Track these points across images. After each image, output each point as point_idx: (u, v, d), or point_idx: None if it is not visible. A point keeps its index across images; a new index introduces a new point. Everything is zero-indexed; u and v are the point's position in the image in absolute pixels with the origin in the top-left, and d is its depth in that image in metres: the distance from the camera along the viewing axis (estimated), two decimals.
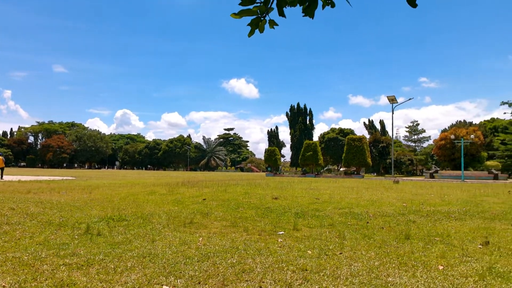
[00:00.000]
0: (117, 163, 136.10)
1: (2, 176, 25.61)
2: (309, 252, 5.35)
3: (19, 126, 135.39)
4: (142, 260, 4.75)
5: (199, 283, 3.99)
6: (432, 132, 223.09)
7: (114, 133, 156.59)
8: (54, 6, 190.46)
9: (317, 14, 2.62)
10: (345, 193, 15.62)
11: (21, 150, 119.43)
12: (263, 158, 77.02)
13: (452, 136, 50.34)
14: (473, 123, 70.66)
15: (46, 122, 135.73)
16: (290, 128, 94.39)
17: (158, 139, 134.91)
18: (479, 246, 5.89)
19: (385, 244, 5.97)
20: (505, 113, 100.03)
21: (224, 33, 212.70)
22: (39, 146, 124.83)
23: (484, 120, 75.01)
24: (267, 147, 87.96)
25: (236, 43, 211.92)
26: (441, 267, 4.65)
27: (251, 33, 2.69)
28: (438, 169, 52.22)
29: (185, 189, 16.14)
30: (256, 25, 2.65)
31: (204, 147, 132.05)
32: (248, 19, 2.62)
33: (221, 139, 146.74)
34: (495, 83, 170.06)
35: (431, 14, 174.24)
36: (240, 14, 2.54)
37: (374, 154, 68.14)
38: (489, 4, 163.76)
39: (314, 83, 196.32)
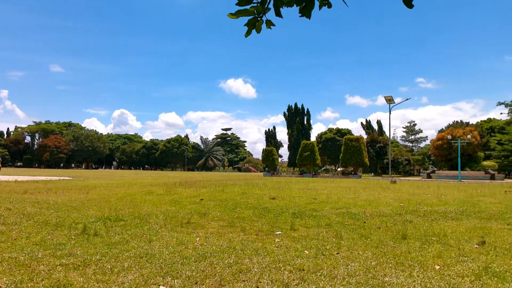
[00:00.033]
0: (114, 163, 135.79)
1: None
2: (306, 252, 5.36)
3: (16, 126, 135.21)
4: (139, 260, 4.74)
5: (196, 283, 3.98)
6: (429, 132, 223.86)
7: (111, 133, 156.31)
8: (52, 5, 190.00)
9: (314, 15, 2.62)
10: (343, 193, 15.65)
11: (17, 150, 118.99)
12: (260, 158, 77.04)
13: (449, 136, 50.51)
14: (470, 123, 71.02)
15: (43, 122, 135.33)
16: (288, 128, 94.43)
17: (155, 139, 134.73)
18: (476, 246, 5.91)
19: (382, 244, 5.99)
20: (501, 113, 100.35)
21: (222, 33, 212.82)
22: (36, 146, 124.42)
23: (481, 121, 75.40)
24: (264, 147, 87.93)
25: (234, 43, 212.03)
26: (437, 267, 4.67)
27: (248, 33, 2.69)
28: (435, 169, 52.35)
29: (182, 189, 16.12)
30: (253, 25, 2.65)
31: (202, 147, 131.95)
32: (245, 19, 2.62)
33: (219, 139, 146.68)
34: (491, 84, 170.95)
35: (429, 14, 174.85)
36: (237, 14, 2.54)
37: (371, 154, 68.31)
38: (486, 5, 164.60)
39: (312, 83, 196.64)
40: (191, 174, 56.19)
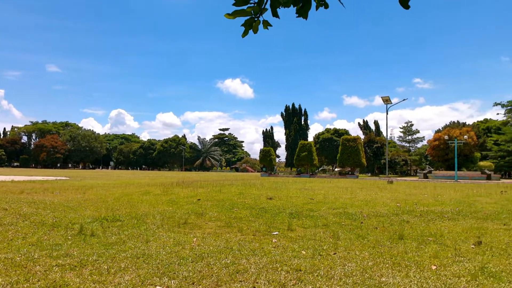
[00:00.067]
0: (111, 163, 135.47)
1: None
2: (303, 252, 5.36)
3: (12, 126, 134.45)
4: (135, 261, 4.73)
5: (193, 283, 3.98)
6: (426, 132, 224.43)
7: (108, 133, 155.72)
8: (49, 5, 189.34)
9: (311, 15, 2.63)
10: (340, 193, 15.67)
11: (14, 150, 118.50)
12: (258, 158, 76.98)
13: (446, 137, 50.69)
14: (467, 123, 71.20)
15: (40, 121, 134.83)
16: (285, 128, 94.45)
17: (152, 139, 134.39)
18: (472, 246, 5.93)
19: (379, 244, 6.00)
20: (498, 113, 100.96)
21: (220, 33, 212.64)
22: (32, 146, 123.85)
23: (477, 121, 75.70)
24: (262, 147, 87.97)
25: (232, 44, 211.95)
26: (434, 267, 4.68)
27: (244, 33, 2.69)
28: (432, 169, 52.54)
29: (179, 189, 16.10)
30: (250, 26, 2.65)
31: (199, 147, 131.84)
32: (242, 19, 2.62)
33: (216, 139, 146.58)
34: (488, 84, 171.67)
35: (426, 15, 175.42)
36: (234, 14, 2.54)
37: (368, 155, 68.46)
38: (483, 5, 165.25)
39: (309, 84, 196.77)
40: (189, 174, 56.13)
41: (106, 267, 4.44)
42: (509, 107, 58.47)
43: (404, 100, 58.07)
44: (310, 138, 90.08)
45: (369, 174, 73.50)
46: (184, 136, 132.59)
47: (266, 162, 59.60)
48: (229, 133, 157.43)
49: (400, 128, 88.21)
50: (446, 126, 69.28)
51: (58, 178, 29.54)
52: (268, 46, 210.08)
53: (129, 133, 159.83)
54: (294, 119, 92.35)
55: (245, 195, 13.80)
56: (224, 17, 2.54)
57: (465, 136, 48.82)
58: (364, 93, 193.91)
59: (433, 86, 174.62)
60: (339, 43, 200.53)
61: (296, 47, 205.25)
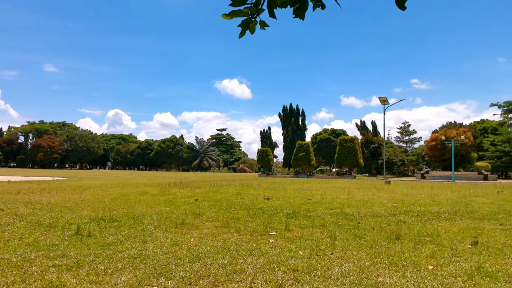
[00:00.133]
0: (108, 163, 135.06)
1: None
2: (301, 252, 5.37)
3: (9, 126, 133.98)
4: (133, 261, 4.73)
5: (190, 284, 3.98)
6: (423, 133, 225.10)
7: (105, 133, 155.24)
8: (46, 5, 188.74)
9: (308, 16, 2.63)
10: (337, 194, 15.69)
11: (11, 150, 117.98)
12: (255, 158, 77.02)
13: (443, 137, 50.82)
14: (463, 124, 71.54)
15: (37, 121, 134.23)
16: (283, 128, 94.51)
17: (150, 140, 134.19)
18: (468, 246, 5.96)
19: (376, 244, 6.01)
20: (494, 114, 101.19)
21: (217, 33, 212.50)
22: (29, 146, 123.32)
23: (474, 121, 75.94)
24: (259, 147, 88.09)
25: (229, 44, 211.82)
26: (430, 267, 4.70)
27: (241, 34, 2.69)
28: (429, 169, 52.66)
29: (177, 190, 16.08)
30: (247, 26, 2.65)
31: (197, 147, 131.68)
32: (239, 20, 2.62)
33: (214, 140, 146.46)
34: (485, 85, 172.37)
35: (423, 16, 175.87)
36: (231, 15, 2.54)
37: (366, 155, 68.58)
38: (479, 6, 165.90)
39: (307, 84, 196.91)
40: (186, 175, 56.07)
41: (103, 268, 4.43)
42: (505, 108, 58.56)
43: (401, 100, 58.33)
44: (308, 139, 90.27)
45: (367, 175, 73.60)
46: (181, 136, 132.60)
47: (264, 163, 59.62)
48: (227, 134, 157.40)
49: (398, 128, 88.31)
50: (443, 127, 69.60)
51: (55, 178, 29.45)
52: (265, 46, 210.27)
53: (127, 133, 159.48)
54: (292, 119, 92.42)
55: (243, 196, 13.81)
56: (222, 18, 2.54)
57: (462, 136, 48.97)
58: (361, 94, 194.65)
59: (430, 86, 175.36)
60: (336, 43, 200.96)
61: (294, 48, 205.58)
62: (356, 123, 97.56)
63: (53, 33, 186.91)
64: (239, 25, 2.64)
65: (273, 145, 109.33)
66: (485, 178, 41.73)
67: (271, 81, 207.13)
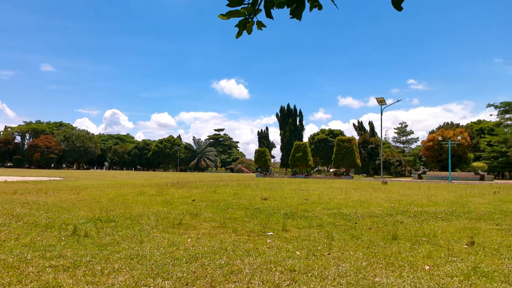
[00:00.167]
0: (106, 163, 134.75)
1: None
2: (298, 253, 5.37)
3: (5, 126, 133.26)
4: (129, 262, 4.72)
5: (187, 284, 3.97)
6: (420, 133, 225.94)
7: (103, 133, 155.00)
8: (44, 5, 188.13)
9: (306, 16, 2.64)
10: (334, 194, 15.72)
11: (7, 150, 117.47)
12: (253, 159, 76.99)
13: (440, 138, 50.98)
14: (460, 124, 71.69)
15: (34, 121, 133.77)
16: (280, 129, 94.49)
17: (147, 140, 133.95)
18: (465, 246, 5.98)
19: (373, 244, 6.02)
20: (491, 115, 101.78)
21: (215, 34, 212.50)
22: (26, 146, 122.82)
23: (471, 122, 76.25)
24: (257, 148, 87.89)
25: (227, 44, 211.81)
26: (427, 267, 4.71)
27: (238, 34, 2.70)
28: (426, 170, 52.83)
29: (174, 190, 16.06)
30: (244, 26, 2.65)
31: (194, 147, 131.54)
32: (236, 20, 2.62)
33: (211, 140, 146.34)
34: (481, 86, 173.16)
35: (420, 17, 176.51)
36: (228, 15, 2.54)
37: (363, 155, 68.72)
38: (475, 7, 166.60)
39: (304, 84, 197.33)
40: (184, 175, 56.00)
41: (99, 268, 4.42)
42: (502, 109, 58.85)
43: (398, 101, 58.53)
44: (305, 139, 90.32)
45: (364, 175, 73.74)
46: (179, 137, 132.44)
47: (261, 163, 59.61)
48: (224, 134, 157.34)
49: (395, 129, 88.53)
50: (440, 127, 69.76)
51: (52, 178, 29.35)
52: (263, 47, 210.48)
53: (124, 133, 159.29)
54: (289, 119, 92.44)
55: (240, 196, 13.80)
56: (219, 18, 2.54)
57: (459, 137, 49.16)
58: (358, 94, 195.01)
59: (427, 87, 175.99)
60: (334, 44, 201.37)
61: (291, 48, 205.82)
62: (354, 124, 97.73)
63: (50, 33, 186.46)
64: (236, 26, 2.64)
65: (271, 146, 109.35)
66: (482, 178, 41.90)
67: (268, 82, 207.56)
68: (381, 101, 56.33)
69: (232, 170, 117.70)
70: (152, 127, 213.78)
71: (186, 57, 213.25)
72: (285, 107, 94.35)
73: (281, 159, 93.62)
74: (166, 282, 4.00)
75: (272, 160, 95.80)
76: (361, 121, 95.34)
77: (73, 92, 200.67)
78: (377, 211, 10.28)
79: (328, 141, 79.30)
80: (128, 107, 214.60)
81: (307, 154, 54.95)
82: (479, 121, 75.70)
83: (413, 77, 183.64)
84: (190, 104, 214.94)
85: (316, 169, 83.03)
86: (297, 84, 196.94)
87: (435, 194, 16.56)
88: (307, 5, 2.61)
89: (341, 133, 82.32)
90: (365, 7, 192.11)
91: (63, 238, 6.02)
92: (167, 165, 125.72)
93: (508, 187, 23.41)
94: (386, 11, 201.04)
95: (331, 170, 71.10)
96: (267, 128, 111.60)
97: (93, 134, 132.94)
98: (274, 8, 2.56)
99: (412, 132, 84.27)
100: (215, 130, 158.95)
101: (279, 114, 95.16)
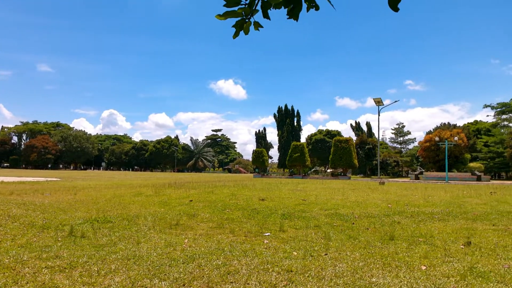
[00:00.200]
0: (103, 164, 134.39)
1: None
2: (295, 253, 5.38)
3: (2, 126, 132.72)
4: (126, 263, 4.70)
5: (184, 285, 3.97)
6: (418, 134, 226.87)
7: (100, 134, 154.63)
8: (40, 4, 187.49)
9: (303, 16, 2.64)
10: (332, 195, 15.73)
11: (4, 151, 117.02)
12: (250, 159, 76.91)
13: (437, 138, 51.07)
14: (457, 125, 71.96)
15: (31, 122, 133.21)
16: (278, 129, 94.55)
17: (145, 140, 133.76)
18: (461, 246, 6.00)
19: (370, 245, 6.03)
20: (488, 115, 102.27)
21: (213, 34, 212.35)
22: (23, 146, 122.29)
23: (468, 123, 76.49)
24: (254, 148, 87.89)
25: (224, 44, 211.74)
26: (424, 267, 4.72)
27: (235, 34, 2.69)
28: (423, 170, 52.92)
29: (171, 191, 16.04)
30: (241, 27, 2.65)
31: (192, 148, 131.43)
32: (233, 20, 2.62)
33: (209, 140, 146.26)
34: (478, 86, 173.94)
35: (417, 17, 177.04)
36: (225, 15, 2.54)
37: (360, 156, 68.78)
38: (472, 8, 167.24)
39: (302, 85, 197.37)
40: (181, 175, 55.93)
41: (96, 269, 4.40)
42: (498, 109, 59.11)
43: (395, 101, 58.67)
44: (303, 139, 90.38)
45: (361, 175, 73.84)
46: (176, 137, 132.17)
47: (259, 163, 59.60)
48: (222, 134, 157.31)
49: (392, 129, 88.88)
50: (437, 128, 69.98)
51: (49, 179, 29.24)
52: (261, 47, 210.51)
53: (121, 134, 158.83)
54: (287, 120, 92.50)
55: (237, 196, 13.80)
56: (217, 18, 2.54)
57: (456, 137, 49.27)
58: (356, 95, 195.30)
59: (424, 88, 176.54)
60: (331, 44, 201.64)
61: (288, 49, 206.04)
62: (351, 124, 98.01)
63: (47, 33, 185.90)
64: (233, 26, 2.64)
65: (268, 146, 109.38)
66: (478, 179, 42.04)
67: (266, 82, 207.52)
68: (378, 102, 56.48)
69: (229, 171, 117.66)
70: (150, 128, 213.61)
71: (183, 58, 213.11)
72: (283, 108, 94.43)
73: (279, 159, 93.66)
74: (163, 283, 3.99)
75: (270, 160, 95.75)
76: (359, 122, 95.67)
77: (70, 92, 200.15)
78: (374, 211, 10.30)
79: (325, 142, 79.41)
80: (125, 107, 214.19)
81: (304, 154, 54.99)
82: (476, 122, 75.96)
83: (410, 78, 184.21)
84: (188, 104, 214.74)
85: (313, 169, 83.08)
86: (294, 84, 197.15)
87: (432, 194, 16.61)
88: (304, 5, 2.61)
89: (338, 133, 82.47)
90: (362, 8, 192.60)
91: (59, 239, 6.00)
92: (165, 165, 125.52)
93: (504, 188, 23.51)
94: (383, 11, 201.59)
95: (328, 170, 71.18)
96: (264, 129, 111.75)
97: (90, 134, 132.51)
98: (271, 8, 2.57)
99: (410, 133, 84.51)
100: (213, 130, 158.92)
101: (277, 114, 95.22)
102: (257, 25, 2.69)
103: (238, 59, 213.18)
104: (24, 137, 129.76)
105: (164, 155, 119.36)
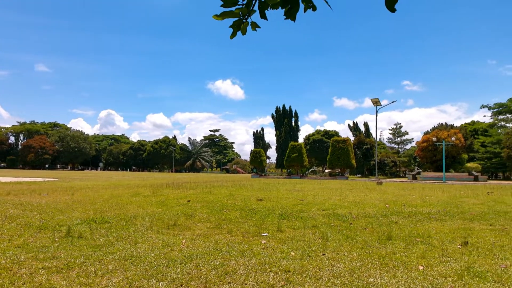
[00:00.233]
0: (101, 164, 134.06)
1: None
2: (292, 253, 5.38)
3: None
4: (124, 263, 4.69)
5: (181, 285, 3.96)
6: (415, 134, 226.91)
7: (97, 134, 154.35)
8: (37, 4, 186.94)
9: (301, 17, 2.64)
10: (329, 195, 15.75)
11: (1, 151, 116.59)
12: (248, 159, 76.99)
13: (434, 139, 51.19)
14: (454, 125, 72.10)
15: (28, 122, 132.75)
16: (276, 129, 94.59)
17: (143, 140, 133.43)
18: (459, 246, 6.01)
19: (368, 245, 6.04)
20: (485, 116, 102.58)
21: (211, 34, 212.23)
22: (20, 146, 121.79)
23: (465, 123, 76.73)
24: (252, 148, 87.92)
25: (222, 45, 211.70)
26: (421, 267, 4.73)
27: (233, 35, 2.69)
28: (421, 170, 53.04)
29: (169, 191, 16.02)
30: (238, 27, 2.65)
31: (190, 148, 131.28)
32: (231, 21, 2.62)
33: (207, 140, 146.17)
34: (475, 87, 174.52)
35: (415, 18, 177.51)
36: (222, 16, 2.54)
37: (358, 156, 68.88)
38: (470, 9, 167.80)
39: (300, 85, 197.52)
40: (179, 176, 55.85)
41: (93, 270, 4.39)
42: (495, 110, 59.36)
43: (393, 102, 58.90)
44: (301, 140, 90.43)
45: (359, 175, 74.00)
46: (174, 137, 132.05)
47: (257, 163, 59.60)
48: (220, 134, 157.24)
49: (390, 129, 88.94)
50: (434, 128, 70.14)
51: (46, 179, 29.15)
52: (258, 47, 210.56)
53: (119, 134, 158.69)
54: (285, 120, 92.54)
55: (235, 197, 13.79)
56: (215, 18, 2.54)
57: (453, 138, 49.38)
58: (354, 95, 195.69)
59: (421, 88, 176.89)
60: (328, 45, 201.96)
61: (286, 49, 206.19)
62: (349, 124, 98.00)
63: (45, 33, 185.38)
64: (230, 26, 2.64)
65: (266, 146, 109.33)
66: (476, 179, 42.16)
67: (264, 82, 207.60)
68: (376, 102, 56.61)
69: (227, 171, 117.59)
70: (147, 128, 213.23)
71: (181, 58, 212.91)
72: (281, 108, 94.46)
73: (277, 159, 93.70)
74: (160, 283, 3.98)
75: (268, 160, 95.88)
76: (356, 122, 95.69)
77: (68, 92, 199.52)
78: (371, 211, 10.31)
79: (323, 142, 79.48)
80: (123, 107, 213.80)
81: (302, 154, 55.05)
82: (473, 122, 76.22)
83: (408, 78, 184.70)
84: (186, 104, 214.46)
85: (311, 169, 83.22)
86: (292, 85, 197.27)
87: (429, 194, 16.65)
88: (301, 6, 2.62)
89: (336, 133, 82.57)
90: (359, 8, 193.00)
91: (56, 240, 5.98)
92: (162, 165, 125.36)
93: (501, 188, 23.59)
94: (381, 12, 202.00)
95: (326, 170, 71.27)
96: (262, 129, 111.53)
97: (87, 134, 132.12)
98: (269, 9, 2.57)
99: (407, 133, 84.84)
100: (211, 130, 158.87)
101: (275, 114, 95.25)
102: (255, 25, 2.69)
103: (236, 59, 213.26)
104: (21, 137, 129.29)
105: (162, 155, 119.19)
